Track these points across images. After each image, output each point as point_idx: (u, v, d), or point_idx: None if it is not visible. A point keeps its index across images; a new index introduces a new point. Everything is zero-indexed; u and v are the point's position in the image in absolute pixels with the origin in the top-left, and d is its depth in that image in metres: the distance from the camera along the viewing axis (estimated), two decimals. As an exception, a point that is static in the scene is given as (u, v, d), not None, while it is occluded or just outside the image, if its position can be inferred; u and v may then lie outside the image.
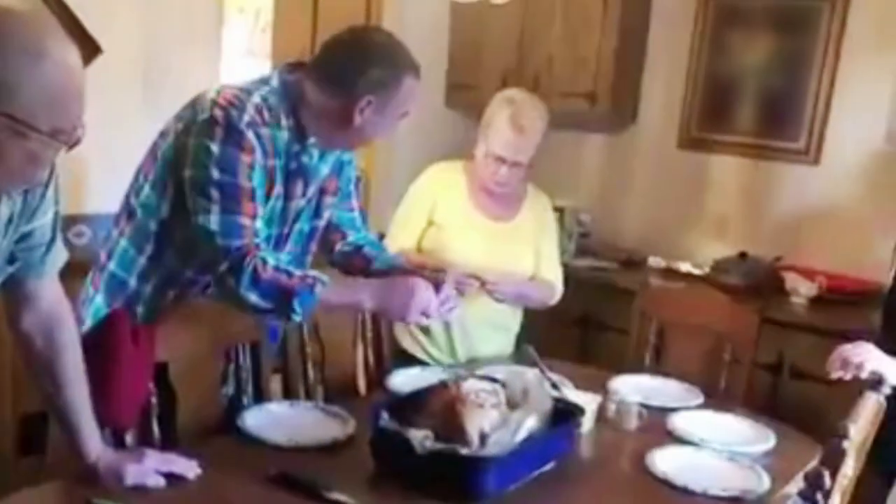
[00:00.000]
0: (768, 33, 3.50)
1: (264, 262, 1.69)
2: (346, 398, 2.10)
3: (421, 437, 1.56)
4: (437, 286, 1.84)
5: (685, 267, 3.58)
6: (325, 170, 1.91)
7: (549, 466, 1.71)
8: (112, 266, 1.81)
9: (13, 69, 1.13)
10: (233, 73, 4.82)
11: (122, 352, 1.63)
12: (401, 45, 1.83)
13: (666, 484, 1.71)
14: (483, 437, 1.60)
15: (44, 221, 1.38)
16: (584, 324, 3.45)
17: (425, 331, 2.41)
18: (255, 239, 1.70)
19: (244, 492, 1.53)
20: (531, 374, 1.88)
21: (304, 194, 1.86)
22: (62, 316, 1.47)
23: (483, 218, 2.42)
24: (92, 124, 1.25)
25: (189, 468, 1.53)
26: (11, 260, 1.36)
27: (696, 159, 3.73)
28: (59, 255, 1.45)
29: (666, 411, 2.08)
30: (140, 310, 1.81)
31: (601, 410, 2.00)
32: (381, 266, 2.04)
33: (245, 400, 1.96)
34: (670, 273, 3.57)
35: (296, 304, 1.69)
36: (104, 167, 2.99)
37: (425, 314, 1.80)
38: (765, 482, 1.73)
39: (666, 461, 1.79)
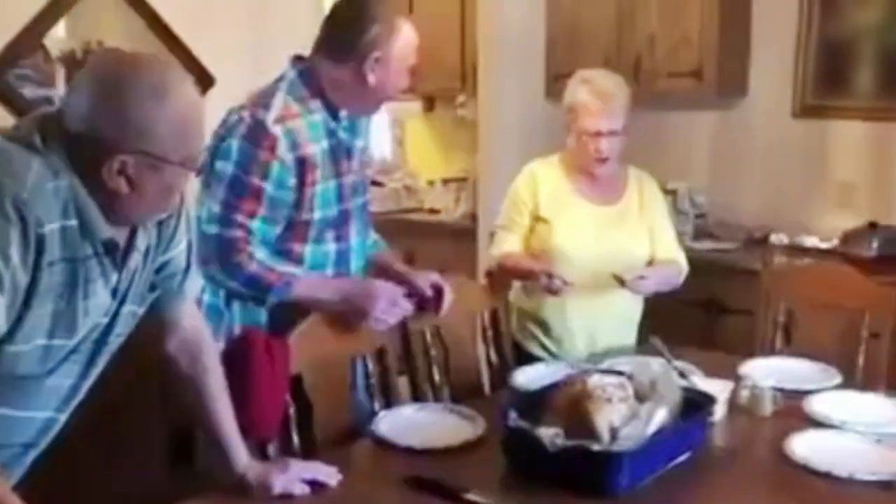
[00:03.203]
0: (883, -14, 3.31)
1: (251, 256, 1.83)
2: (473, 397, 2.13)
3: (551, 435, 1.57)
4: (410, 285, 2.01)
5: (810, 242, 3.41)
6: (360, 143, 2.02)
7: (683, 458, 1.69)
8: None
9: (143, 111, 1.23)
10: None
11: (259, 367, 1.72)
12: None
13: (807, 470, 1.65)
14: (613, 432, 1.60)
15: (179, 250, 1.47)
16: (707, 308, 3.34)
17: (543, 326, 2.41)
18: (248, 236, 1.83)
19: (384, 496, 1.58)
20: (657, 364, 1.86)
21: (350, 169, 1.97)
22: (203, 338, 1.57)
23: (589, 204, 2.40)
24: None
25: (331, 475, 1.60)
26: (152, 288, 1.46)
27: (813, 128, 3.55)
28: (195, 282, 1.55)
29: (802, 394, 2.01)
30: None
31: (733, 397, 1.95)
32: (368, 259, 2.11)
33: (377, 405, 2.02)
34: (795, 249, 3.41)
35: (271, 296, 1.86)
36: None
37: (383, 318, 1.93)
38: (918, 465, 1.65)
39: (806, 446, 1.73)
